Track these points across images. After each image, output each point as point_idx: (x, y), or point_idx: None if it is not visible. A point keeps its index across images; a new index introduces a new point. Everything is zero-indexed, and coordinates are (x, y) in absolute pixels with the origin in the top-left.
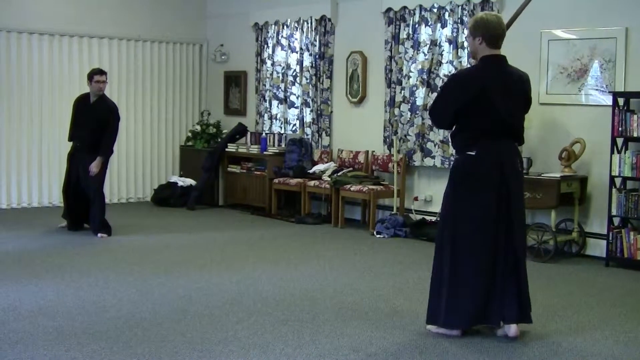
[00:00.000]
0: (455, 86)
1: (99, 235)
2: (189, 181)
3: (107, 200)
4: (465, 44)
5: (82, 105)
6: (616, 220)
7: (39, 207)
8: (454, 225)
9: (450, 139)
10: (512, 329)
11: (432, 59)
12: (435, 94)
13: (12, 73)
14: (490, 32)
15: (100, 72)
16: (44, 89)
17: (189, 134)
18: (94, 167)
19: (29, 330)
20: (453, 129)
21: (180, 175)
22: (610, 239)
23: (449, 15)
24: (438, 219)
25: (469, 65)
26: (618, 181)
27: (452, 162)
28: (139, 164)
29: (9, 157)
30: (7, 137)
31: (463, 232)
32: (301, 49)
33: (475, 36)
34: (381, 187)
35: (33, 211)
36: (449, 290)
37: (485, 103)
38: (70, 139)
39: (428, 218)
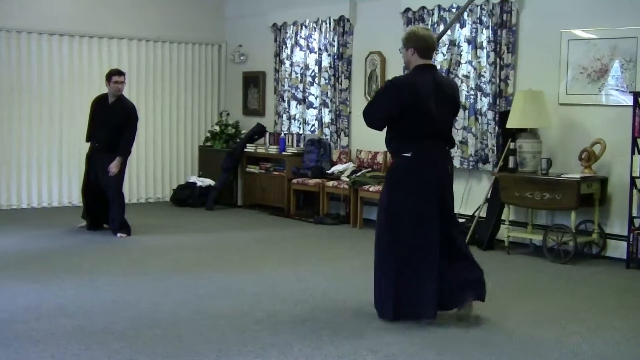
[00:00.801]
0: (391, 91)
1: (119, 235)
2: (208, 181)
3: (126, 200)
4: (484, 43)
5: (100, 106)
6: (637, 222)
7: (59, 207)
8: (392, 221)
9: (386, 145)
10: (466, 309)
11: (450, 59)
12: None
13: (33, 74)
14: (422, 45)
15: (119, 72)
16: (64, 90)
17: (208, 135)
18: (113, 167)
19: (50, 329)
20: (388, 134)
21: (199, 176)
22: (631, 240)
23: (467, 15)
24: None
25: (488, 66)
26: (639, 182)
27: (471, 163)
28: (158, 164)
29: (30, 157)
30: (28, 138)
31: (401, 229)
32: (319, 49)
33: (408, 48)
34: None
35: (53, 211)
36: (386, 281)
37: (418, 108)
38: (88, 140)
39: None
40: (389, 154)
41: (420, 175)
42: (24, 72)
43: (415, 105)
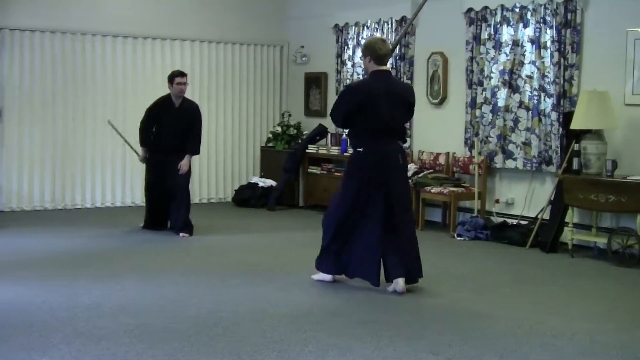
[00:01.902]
0: (348, 94)
1: (181, 234)
2: (270, 182)
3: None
4: (548, 43)
5: (166, 109)
6: None
7: (122, 207)
8: (343, 199)
9: (349, 139)
10: (399, 285)
11: (514, 59)
12: (516, 95)
13: (97, 76)
14: (376, 53)
15: (181, 74)
16: (127, 91)
17: (270, 135)
18: (185, 166)
19: (112, 327)
20: (349, 132)
21: (261, 176)
22: None
23: (531, 15)
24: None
25: (552, 66)
26: None
27: (534, 164)
28: (220, 164)
29: (93, 158)
30: (92, 138)
31: (349, 204)
32: None
33: (365, 56)
34: (462, 189)
35: (116, 211)
36: (329, 247)
37: (371, 108)
38: (147, 143)
39: (509, 221)
40: (450, 156)
41: (368, 167)
42: (89, 74)
43: (367, 107)
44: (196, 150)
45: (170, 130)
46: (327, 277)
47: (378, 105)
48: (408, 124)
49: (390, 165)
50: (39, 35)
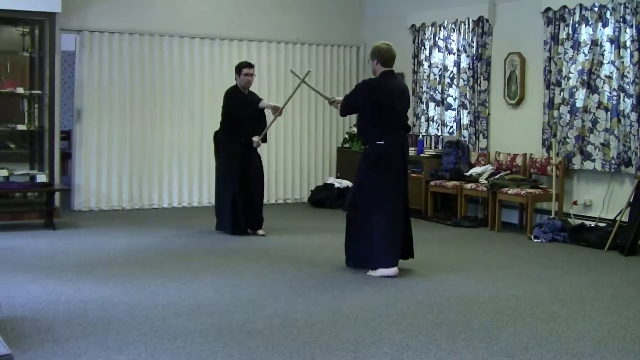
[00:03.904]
0: (365, 88)
1: (261, 232)
2: (346, 183)
3: (265, 201)
4: (628, 43)
5: (239, 100)
6: None
7: (199, 207)
8: (377, 192)
9: (359, 134)
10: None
11: (592, 59)
12: (595, 95)
13: (174, 77)
14: (382, 57)
15: (249, 65)
16: (205, 92)
17: (346, 136)
18: (258, 143)
19: (188, 326)
20: (362, 126)
21: (337, 177)
22: None
23: (610, 14)
24: (353, 187)
25: (632, 66)
26: None
27: (613, 166)
28: (296, 165)
29: (170, 158)
30: (169, 139)
31: (379, 193)
32: (458, 50)
33: (373, 59)
34: (539, 190)
35: (192, 211)
36: (378, 237)
37: (389, 104)
38: (241, 136)
39: (587, 223)
40: (527, 157)
41: (391, 157)
42: (166, 75)
43: (384, 102)
44: (265, 137)
45: (250, 121)
46: (391, 270)
47: (394, 101)
48: (485, 124)
49: (405, 155)
50: (117, 37)
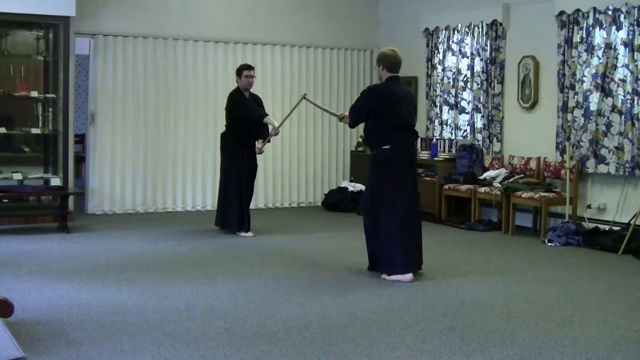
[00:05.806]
0: (371, 94)
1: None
2: (360, 186)
3: (278, 205)
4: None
5: (241, 100)
6: None
7: (213, 210)
8: (381, 193)
9: (367, 139)
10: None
11: (606, 62)
12: (609, 99)
13: (188, 80)
14: (389, 63)
15: (249, 67)
16: (218, 96)
17: (360, 139)
18: (262, 148)
19: (201, 329)
20: (369, 131)
21: (351, 181)
22: None
23: (624, 18)
24: (364, 190)
25: None
26: None
27: (627, 169)
28: (310, 169)
29: (185, 162)
30: (183, 142)
31: (389, 198)
32: (472, 54)
33: (379, 65)
34: (553, 194)
35: (207, 214)
36: (393, 241)
37: (395, 108)
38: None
39: (601, 227)
40: (541, 160)
41: (398, 161)
42: (180, 79)
43: (391, 106)
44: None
45: (252, 122)
46: (407, 277)
47: (401, 106)
48: (499, 127)
49: (412, 157)
50: (131, 41)
